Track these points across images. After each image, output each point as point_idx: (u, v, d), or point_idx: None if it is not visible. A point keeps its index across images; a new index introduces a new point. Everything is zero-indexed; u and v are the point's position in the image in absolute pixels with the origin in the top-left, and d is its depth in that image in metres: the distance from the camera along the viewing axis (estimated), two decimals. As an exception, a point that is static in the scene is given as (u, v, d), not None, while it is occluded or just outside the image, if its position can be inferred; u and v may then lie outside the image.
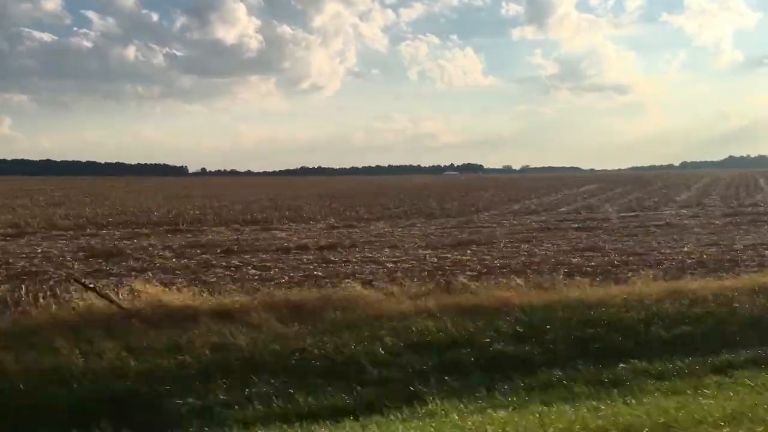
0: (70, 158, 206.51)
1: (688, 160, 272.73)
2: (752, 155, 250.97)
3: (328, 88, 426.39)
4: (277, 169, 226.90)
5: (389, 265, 16.67)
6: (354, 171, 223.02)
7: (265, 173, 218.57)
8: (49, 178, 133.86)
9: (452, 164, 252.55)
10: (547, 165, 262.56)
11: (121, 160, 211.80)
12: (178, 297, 10.81)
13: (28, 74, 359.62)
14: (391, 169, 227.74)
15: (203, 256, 18.77)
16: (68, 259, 18.26)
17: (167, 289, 11.05)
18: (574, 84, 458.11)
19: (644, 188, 60.52)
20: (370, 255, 18.82)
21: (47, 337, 8.91)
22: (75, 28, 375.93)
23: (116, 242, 22.01)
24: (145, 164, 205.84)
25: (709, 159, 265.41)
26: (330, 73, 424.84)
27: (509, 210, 35.86)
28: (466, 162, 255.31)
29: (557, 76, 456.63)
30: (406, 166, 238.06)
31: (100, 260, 18.00)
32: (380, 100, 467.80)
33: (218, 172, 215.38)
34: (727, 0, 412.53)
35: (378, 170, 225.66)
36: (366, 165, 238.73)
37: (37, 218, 29.88)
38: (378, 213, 34.40)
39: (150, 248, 20.32)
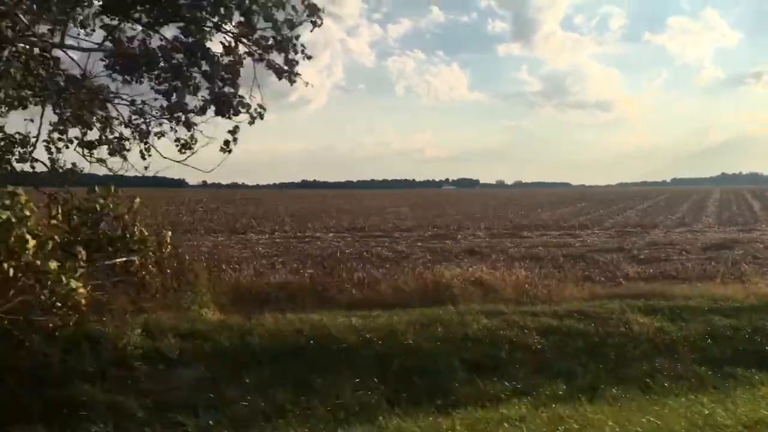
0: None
1: (679, 177, 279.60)
2: (744, 172, 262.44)
3: (316, 101, 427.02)
4: (272, 183, 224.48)
5: None
6: (350, 185, 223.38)
7: (258, 186, 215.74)
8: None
9: (447, 179, 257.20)
10: (538, 180, 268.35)
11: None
12: None
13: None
14: (387, 184, 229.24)
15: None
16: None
17: None
18: (558, 100, 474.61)
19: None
20: None
21: None
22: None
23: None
24: (142, 176, 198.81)
25: (700, 176, 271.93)
26: (317, 86, 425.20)
27: (755, 219, 38.70)
28: (460, 177, 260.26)
29: (542, 93, 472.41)
30: (400, 180, 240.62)
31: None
32: (367, 115, 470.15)
33: (215, 185, 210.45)
34: (708, 20, 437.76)
35: (373, 185, 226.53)
36: (361, 179, 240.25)
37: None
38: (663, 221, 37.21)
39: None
